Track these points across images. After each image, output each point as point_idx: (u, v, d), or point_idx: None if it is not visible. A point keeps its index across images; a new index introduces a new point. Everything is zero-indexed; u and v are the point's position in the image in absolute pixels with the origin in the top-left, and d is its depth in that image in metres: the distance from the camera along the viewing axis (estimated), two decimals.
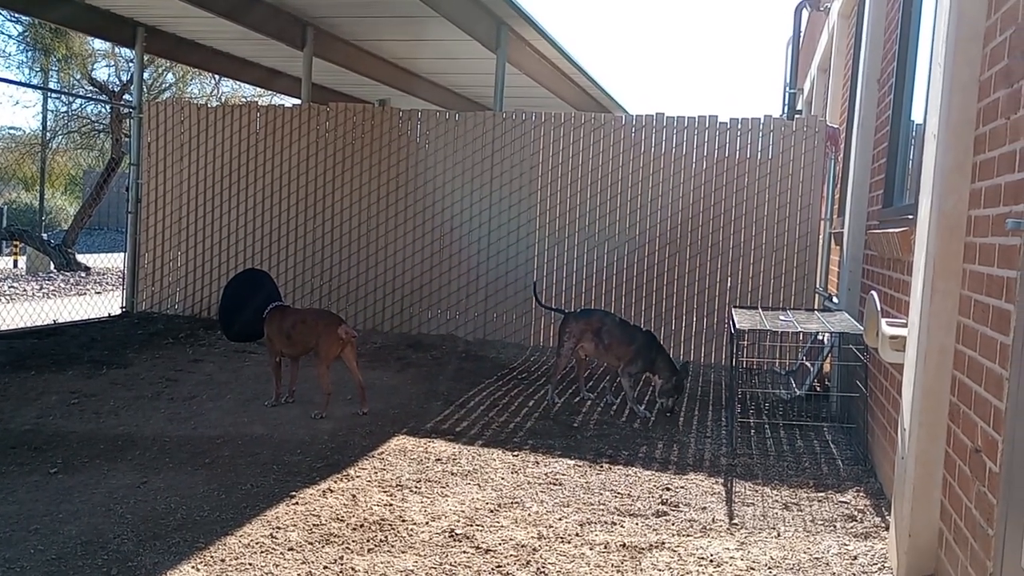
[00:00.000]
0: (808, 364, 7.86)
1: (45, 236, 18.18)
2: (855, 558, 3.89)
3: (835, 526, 4.31)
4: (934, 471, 3.61)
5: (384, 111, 10.03)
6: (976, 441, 3.09)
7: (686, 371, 6.79)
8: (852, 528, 4.28)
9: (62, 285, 14.44)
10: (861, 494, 4.82)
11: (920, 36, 5.28)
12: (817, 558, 3.87)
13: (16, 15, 17.37)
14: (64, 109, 21.50)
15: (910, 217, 4.49)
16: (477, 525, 4.17)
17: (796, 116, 9.65)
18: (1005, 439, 2.77)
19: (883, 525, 4.30)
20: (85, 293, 13.42)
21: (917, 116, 5.18)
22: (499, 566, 3.70)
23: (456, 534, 4.04)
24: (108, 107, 19.01)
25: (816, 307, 8.17)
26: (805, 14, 10.86)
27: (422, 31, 10.72)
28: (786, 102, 10.47)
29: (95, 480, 4.62)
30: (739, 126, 8.97)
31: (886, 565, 3.81)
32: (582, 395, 7.15)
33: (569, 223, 9.42)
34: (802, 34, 11.06)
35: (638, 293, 9.20)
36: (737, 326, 6.15)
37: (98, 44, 18.74)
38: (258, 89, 18.31)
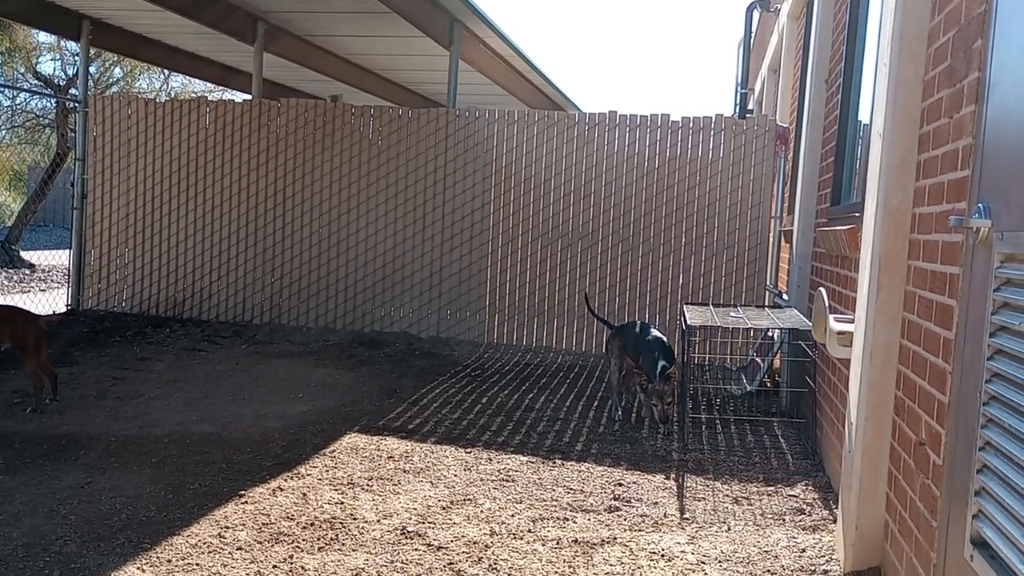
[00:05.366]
0: (758, 360, 7.95)
1: None
2: (803, 551, 3.93)
3: (784, 519, 4.36)
4: (880, 464, 3.67)
5: (337, 107, 9.94)
6: (920, 434, 3.14)
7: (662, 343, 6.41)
8: (801, 521, 4.34)
9: (5, 283, 14.09)
10: (810, 488, 4.89)
11: (867, 37, 5.37)
12: (766, 551, 3.92)
13: None
14: (8, 103, 21.00)
15: (857, 215, 4.56)
16: (429, 522, 4.15)
17: (747, 115, 9.75)
18: (948, 432, 2.82)
19: (831, 518, 4.36)
20: (29, 291, 13.12)
21: (864, 115, 5.26)
22: (451, 563, 3.68)
23: (408, 531, 4.02)
24: (54, 101, 18.59)
25: (766, 304, 8.26)
26: (756, 15, 10.98)
27: (374, 27, 10.64)
28: (737, 101, 10.55)
29: (37, 481, 4.52)
30: (691, 125, 9.04)
31: (833, 557, 3.86)
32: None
33: (523, 220, 9.42)
34: (753, 35, 11.18)
35: (591, 290, 9.22)
36: (688, 322, 6.20)
37: (43, 37, 18.33)
38: (209, 85, 18.06)
